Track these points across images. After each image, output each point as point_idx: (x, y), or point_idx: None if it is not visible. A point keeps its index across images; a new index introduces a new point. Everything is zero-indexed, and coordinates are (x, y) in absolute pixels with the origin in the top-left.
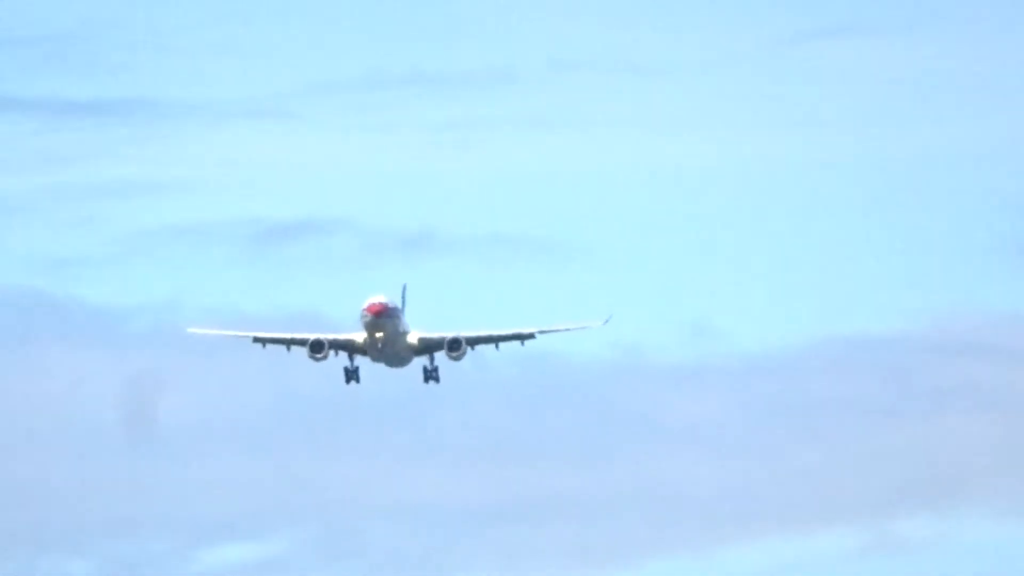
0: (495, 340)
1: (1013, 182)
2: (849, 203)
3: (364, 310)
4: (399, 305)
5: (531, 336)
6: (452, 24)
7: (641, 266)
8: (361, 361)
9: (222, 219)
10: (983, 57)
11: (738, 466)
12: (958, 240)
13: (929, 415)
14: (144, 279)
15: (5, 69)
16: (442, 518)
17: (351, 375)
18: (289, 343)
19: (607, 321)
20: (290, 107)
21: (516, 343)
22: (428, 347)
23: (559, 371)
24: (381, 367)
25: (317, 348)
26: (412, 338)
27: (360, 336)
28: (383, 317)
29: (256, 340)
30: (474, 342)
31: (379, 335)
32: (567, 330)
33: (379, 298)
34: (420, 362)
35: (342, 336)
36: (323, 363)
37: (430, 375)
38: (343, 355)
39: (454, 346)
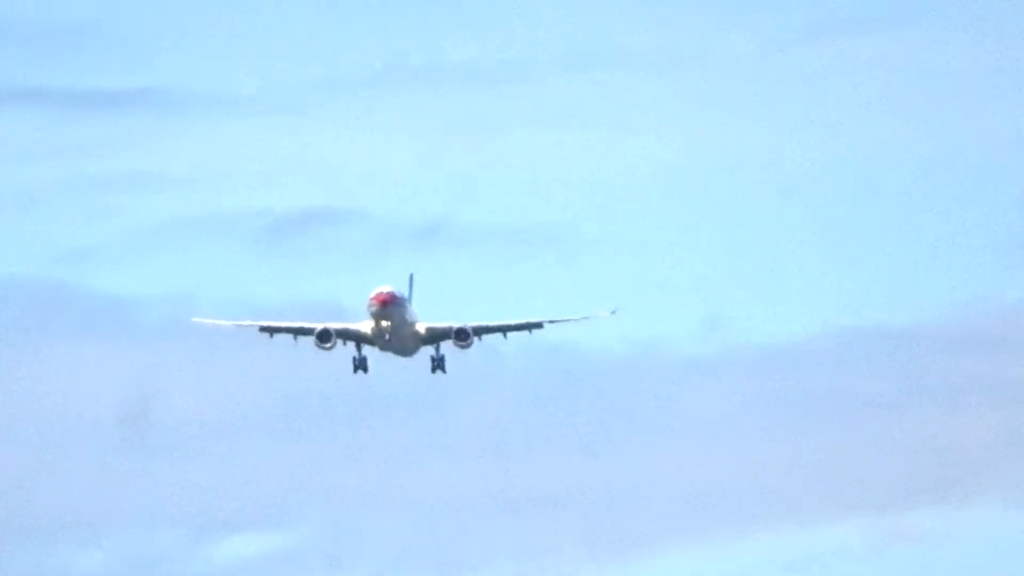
0: (502, 330)
1: None
2: (862, 196)
3: (371, 300)
4: (406, 295)
5: (538, 326)
6: (465, 18)
7: (653, 259)
8: (368, 351)
9: (237, 210)
10: (993, 51)
11: (748, 458)
12: (971, 233)
13: (943, 408)
14: (159, 270)
15: (21, 60)
16: (449, 508)
17: (358, 365)
18: (296, 333)
19: (614, 311)
20: (305, 100)
21: (524, 333)
22: (435, 337)
23: (566, 361)
24: (389, 357)
25: (324, 338)
26: (419, 328)
27: (367, 326)
28: (390, 307)
29: (263, 330)
30: (481, 332)
31: (386, 325)
32: (575, 320)
33: (386, 288)
34: (428, 352)
35: (349, 326)
36: (330, 353)
37: (437, 365)
38: (351, 345)
39: (461, 336)
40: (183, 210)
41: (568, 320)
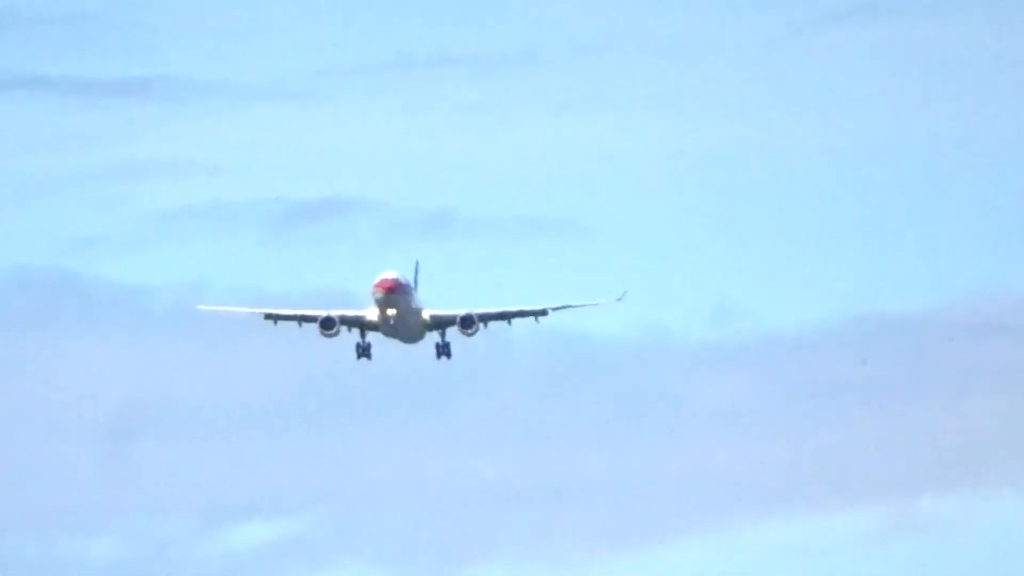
0: (508, 317)
1: None
2: (872, 184)
3: (375, 287)
4: (411, 282)
5: (544, 313)
6: (474, 7)
7: (663, 247)
8: (373, 337)
9: (246, 199)
10: (1006, 37)
11: (754, 446)
12: (984, 220)
13: (954, 395)
14: (167, 259)
15: (30, 49)
16: (452, 495)
17: (363, 351)
18: (300, 320)
19: (620, 298)
20: (314, 88)
21: (529, 320)
22: (440, 324)
23: (571, 349)
24: (393, 343)
25: (328, 325)
26: (424, 315)
27: (372, 313)
28: (395, 294)
29: (267, 317)
30: (486, 319)
31: (391, 312)
32: (580, 307)
33: (391, 274)
34: (433, 338)
35: (354, 313)
36: (334, 340)
37: (442, 351)
38: (355, 331)
39: (466, 323)
40: (192, 199)
41: (573, 307)
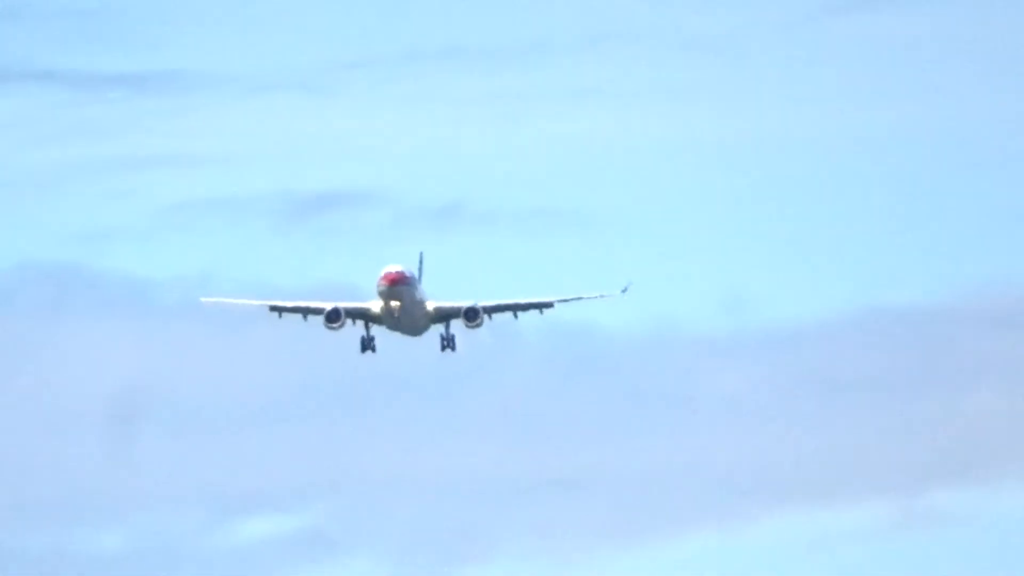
0: (512, 309)
1: None
2: (884, 174)
3: (380, 279)
4: (416, 274)
5: (549, 305)
6: None
7: (673, 239)
8: (377, 330)
9: (255, 192)
10: (1020, 27)
11: (763, 438)
12: (995, 212)
13: (965, 387)
14: (175, 251)
15: (38, 41)
16: (457, 487)
17: (367, 344)
18: (305, 312)
19: (625, 290)
20: (323, 80)
21: (534, 312)
22: (445, 316)
23: (577, 341)
24: (397, 336)
25: (333, 317)
26: (429, 307)
27: (376, 305)
28: (399, 286)
29: (272, 309)
30: (491, 311)
31: (395, 304)
32: (586, 299)
33: (395, 267)
34: (437, 331)
35: (359, 305)
36: (339, 332)
37: (447, 344)
38: (359, 324)
39: (471, 315)
40: (200, 191)
41: (578, 299)
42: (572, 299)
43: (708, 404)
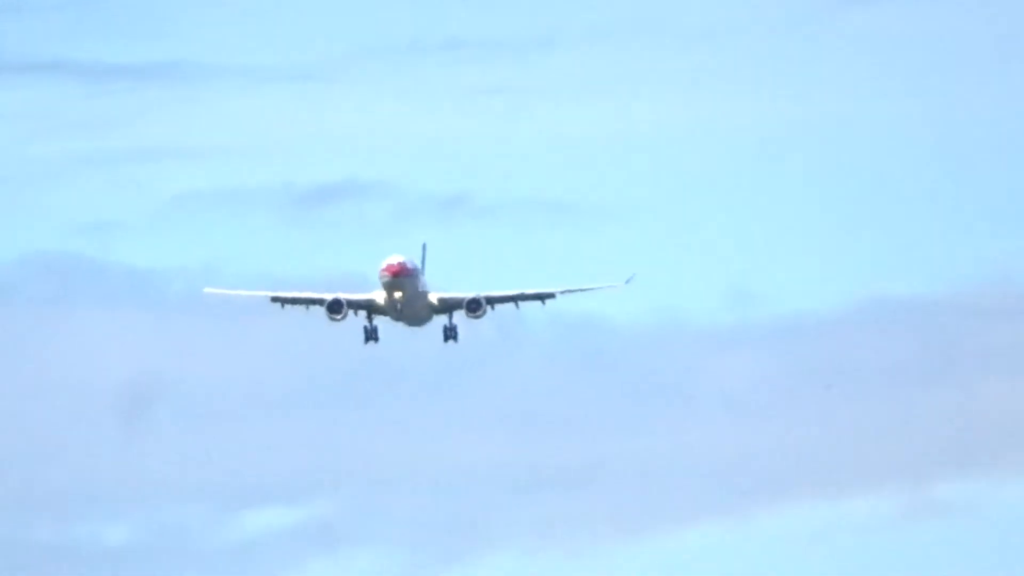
0: (515, 300)
1: None
2: (890, 165)
3: (383, 270)
4: (419, 265)
5: (551, 296)
6: None
7: (677, 230)
8: (380, 321)
9: (259, 183)
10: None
11: (764, 430)
12: (1001, 202)
13: (971, 378)
14: (181, 243)
15: (42, 33)
16: (459, 478)
17: (370, 335)
18: (307, 303)
19: (629, 281)
20: (329, 71)
21: (537, 303)
22: (448, 307)
23: (580, 332)
24: (400, 327)
25: (335, 308)
26: (432, 298)
27: (379, 296)
28: (402, 277)
29: (274, 300)
30: (494, 302)
31: (398, 295)
32: (588, 290)
33: (398, 258)
34: (440, 321)
35: (361, 296)
36: (341, 323)
37: (450, 335)
38: (362, 315)
39: (473, 306)
40: (205, 182)
41: (581, 290)
42: (575, 290)
43: (711, 396)
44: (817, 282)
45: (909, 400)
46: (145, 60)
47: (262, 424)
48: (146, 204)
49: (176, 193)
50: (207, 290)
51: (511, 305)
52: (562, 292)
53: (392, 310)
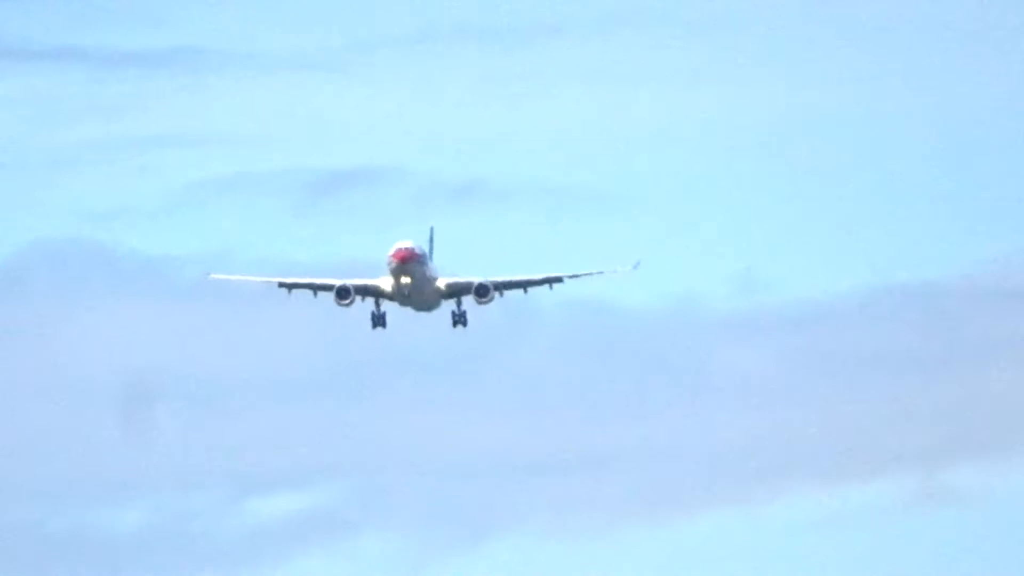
0: (523, 285)
1: None
2: (900, 152)
3: (390, 256)
4: (426, 250)
5: (559, 280)
6: None
7: (686, 216)
8: (388, 306)
9: (272, 170)
10: None
11: (772, 416)
12: (1009, 188)
13: (980, 364)
14: (194, 230)
15: (55, 21)
16: (467, 463)
17: (378, 320)
18: (315, 289)
19: (636, 266)
20: (340, 58)
21: (545, 288)
22: (456, 292)
23: (588, 316)
24: (409, 312)
25: (343, 294)
26: (440, 283)
27: (387, 282)
28: (410, 263)
29: (281, 286)
30: (502, 287)
31: (405, 281)
32: (596, 275)
33: (405, 243)
34: (449, 306)
35: (368, 282)
36: (349, 309)
37: (458, 320)
38: (369, 301)
39: (481, 291)
40: (217, 169)
41: (588, 275)
42: (583, 275)
43: (718, 380)
44: (825, 268)
45: (920, 385)
46: (155, 47)
47: (270, 410)
48: (156, 191)
49: (186, 180)
50: (212, 276)
51: (519, 290)
52: (570, 277)
53: (400, 296)
